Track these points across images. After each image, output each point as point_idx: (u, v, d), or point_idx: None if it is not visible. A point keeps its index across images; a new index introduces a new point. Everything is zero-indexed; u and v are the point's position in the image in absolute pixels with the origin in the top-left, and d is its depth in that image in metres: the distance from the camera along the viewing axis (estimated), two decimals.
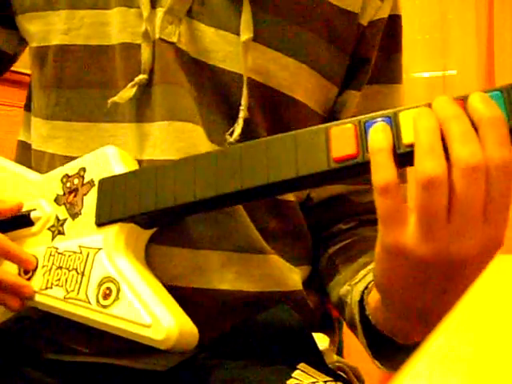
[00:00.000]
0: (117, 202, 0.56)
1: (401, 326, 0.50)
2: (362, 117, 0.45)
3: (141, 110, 0.61)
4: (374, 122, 0.44)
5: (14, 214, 0.60)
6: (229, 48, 0.61)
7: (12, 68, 0.80)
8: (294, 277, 0.64)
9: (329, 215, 0.70)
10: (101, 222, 0.56)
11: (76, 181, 0.59)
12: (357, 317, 0.55)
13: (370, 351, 0.55)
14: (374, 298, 0.52)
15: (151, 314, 0.50)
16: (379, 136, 0.43)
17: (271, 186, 0.49)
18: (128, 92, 0.60)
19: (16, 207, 0.60)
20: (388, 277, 0.46)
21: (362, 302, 0.55)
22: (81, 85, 0.63)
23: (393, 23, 0.69)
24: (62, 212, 0.59)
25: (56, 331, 0.60)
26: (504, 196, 0.40)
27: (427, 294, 0.44)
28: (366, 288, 0.54)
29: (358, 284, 0.58)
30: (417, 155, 0.40)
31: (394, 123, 0.44)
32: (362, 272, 0.59)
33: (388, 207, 0.41)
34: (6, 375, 0.62)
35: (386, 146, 0.42)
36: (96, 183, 0.58)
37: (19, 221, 0.60)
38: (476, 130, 0.40)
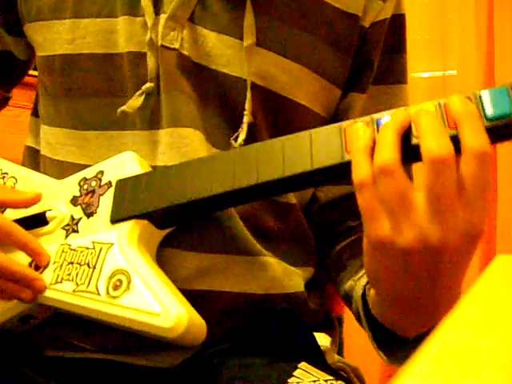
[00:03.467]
0: (133, 200, 0.56)
1: (395, 317, 0.51)
2: (375, 115, 0.48)
3: (150, 117, 0.61)
4: (386, 119, 0.46)
5: (32, 205, 0.60)
6: (231, 52, 0.61)
7: None
8: (295, 278, 0.64)
9: (338, 214, 0.70)
10: (116, 219, 0.56)
11: (94, 183, 0.60)
12: (361, 311, 0.57)
13: (374, 343, 0.56)
14: (372, 291, 0.53)
15: (161, 304, 0.51)
16: (357, 136, 0.46)
17: (287, 180, 0.50)
18: (136, 101, 0.60)
19: (35, 198, 0.60)
20: (375, 268, 0.48)
21: (364, 296, 0.56)
22: (89, 94, 0.63)
23: (396, 22, 0.69)
24: (78, 212, 0.59)
25: (60, 327, 0.61)
26: (481, 182, 0.42)
27: (413, 281, 0.46)
28: (368, 283, 0.55)
29: (360, 279, 0.59)
30: (376, 148, 0.44)
31: None
32: None
33: (365, 202, 0.44)
34: (5, 375, 0.62)
35: (362, 145, 0.45)
36: (113, 184, 0.58)
37: (34, 220, 0.60)
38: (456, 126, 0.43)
